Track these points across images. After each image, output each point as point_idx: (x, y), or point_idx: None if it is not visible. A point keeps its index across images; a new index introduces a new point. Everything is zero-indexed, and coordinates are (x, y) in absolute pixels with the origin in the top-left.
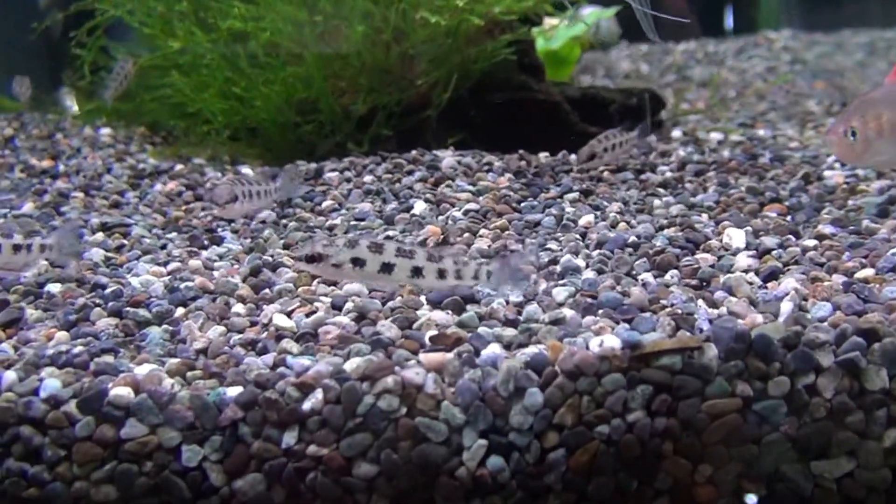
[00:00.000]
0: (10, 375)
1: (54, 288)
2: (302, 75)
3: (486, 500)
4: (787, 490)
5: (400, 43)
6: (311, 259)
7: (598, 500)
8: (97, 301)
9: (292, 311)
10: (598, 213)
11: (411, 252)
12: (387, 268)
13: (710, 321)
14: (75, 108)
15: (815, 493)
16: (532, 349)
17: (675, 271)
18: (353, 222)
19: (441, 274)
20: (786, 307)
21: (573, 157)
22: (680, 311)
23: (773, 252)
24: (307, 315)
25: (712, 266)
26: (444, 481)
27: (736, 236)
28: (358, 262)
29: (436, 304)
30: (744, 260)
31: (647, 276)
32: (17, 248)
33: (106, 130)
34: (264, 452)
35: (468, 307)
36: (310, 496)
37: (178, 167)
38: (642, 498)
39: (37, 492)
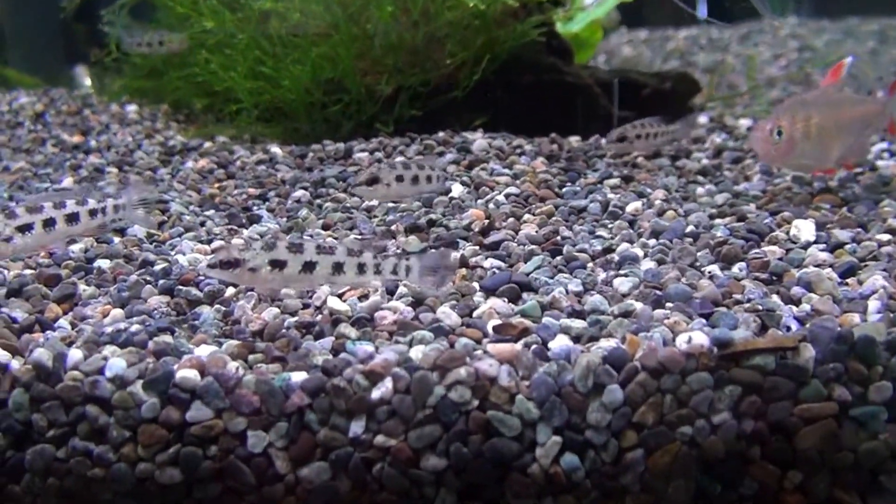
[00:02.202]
0: (76, 354)
1: (104, 264)
2: (329, 55)
3: (558, 498)
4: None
5: (427, 23)
6: (227, 265)
7: (676, 503)
8: (147, 278)
9: (343, 293)
10: (644, 200)
11: (331, 248)
12: (308, 267)
13: (798, 319)
14: (90, 84)
15: None
16: (607, 343)
17: (742, 264)
18: (390, 204)
19: (361, 269)
20: (874, 306)
21: (604, 141)
22: (761, 308)
23: (847, 246)
24: (360, 298)
25: (781, 259)
26: (516, 478)
27: (805, 228)
28: (277, 264)
29: (490, 291)
30: (817, 254)
31: (714, 269)
32: (93, 213)
33: (132, 107)
34: (331, 441)
35: (525, 295)
36: (376, 487)
37: (207, 144)
38: (725, 503)
39: (102, 472)
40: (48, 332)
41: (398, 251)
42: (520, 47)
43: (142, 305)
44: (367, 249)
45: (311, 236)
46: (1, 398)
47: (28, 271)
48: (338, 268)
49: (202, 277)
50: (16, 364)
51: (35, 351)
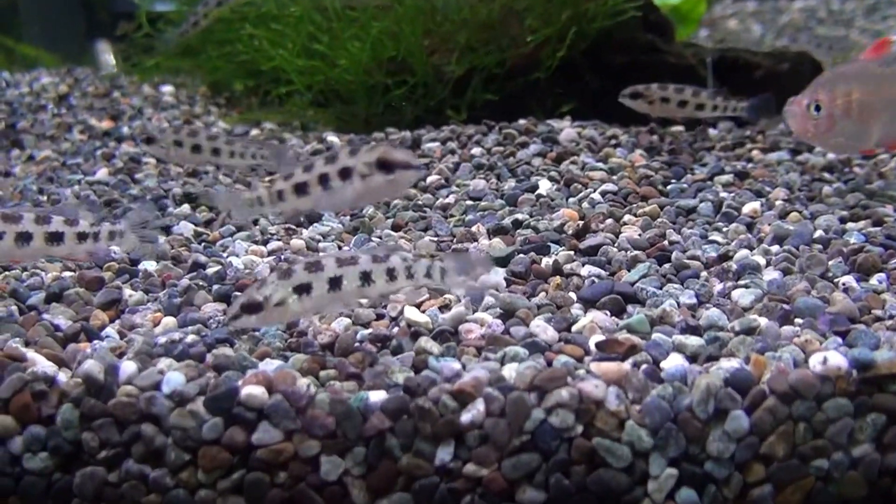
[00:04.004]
0: (130, 366)
1: (150, 266)
2: (392, 31)
3: None
4: None
5: None
6: (251, 309)
7: None
8: (200, 283)
9: (421, 303)
10: (763, 200)
11: (354, 259)
12: (335, 283)
13: None
14: (112, 62)
15: None
16: (728, 363)
17: (882, 275)
18: (468, 202)
19: (391, 275)
20: None
21: (713, 131)
22: None
23: None
24: (441, 308)
25: None
26: None
27: None
28: (303, 289)
29: (590, 303)
30: None
31: (849, 280)
32: (82, 236)
33: (167, 89)
34: (414, 469)
35: (629, 307)
36: None
37: (254, 132)
38: None
39: (157, 498)
40: (95, 341)
41: (480, 253)
42: (612, 23)
43: (196, 313)
44: (394, 253)
45: (380, 238)
46: (48, 414)
47: (67, 273)
48: (365, 278)
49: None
50: (63, 377)
51: (85, 363)
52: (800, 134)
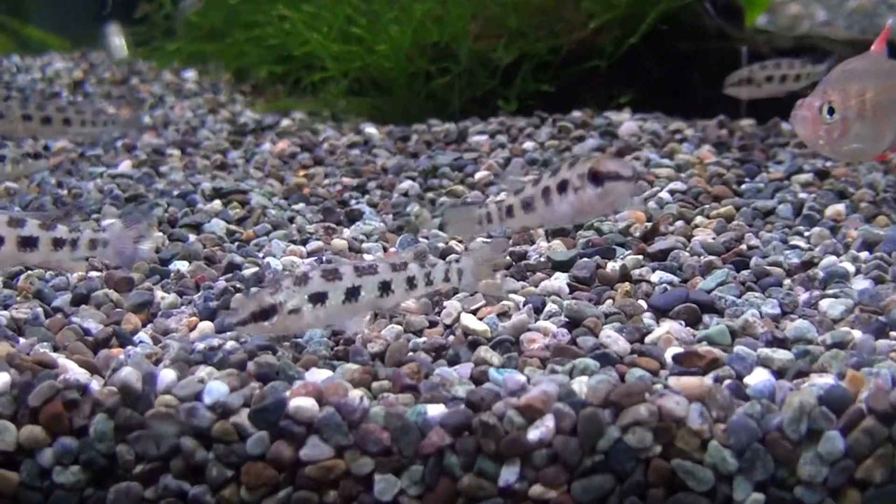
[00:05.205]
0: (169, 374)
1: (182, 266)
2: (436, 14)
3: None
4: None
5: None
6: (262, 315)
7: None
8: (237, 285)
9: (477, 309)
10: (847, 202)
11: (373, 267)
12: (352, 294)
13: None
14: (124, 47)
15: None
16: (821, 380)
17: None
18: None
19: (410, 283)
20: None
21: (786, 125)
22: None
23: None
24: (499, 316)
25: None
26: None
27: None
28: (318, 298)
29: (662, 312)
30: None
31: None
32: (58, 242)
33: (190, 75)
34: (477, 490)
35: (706, 317)
36: None
37: (285, 122)
38: None
39: None
40: (129, 346)
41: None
42: (676, 6)
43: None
44: (412, 261)
45: (427, 238)
46: (80, 425)
47: (94, 273)
48: (384, 288)
49: None
50: (96, 385)
51: (121, 370)
52: (809, 142)
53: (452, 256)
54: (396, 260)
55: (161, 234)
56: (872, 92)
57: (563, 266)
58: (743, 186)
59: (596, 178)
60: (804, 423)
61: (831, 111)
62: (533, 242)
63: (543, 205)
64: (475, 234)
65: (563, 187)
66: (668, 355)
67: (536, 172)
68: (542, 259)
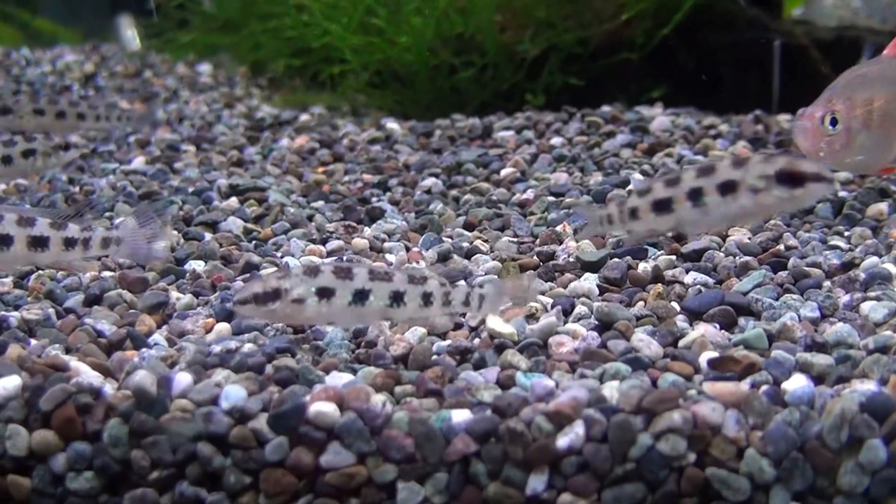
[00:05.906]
0: (184, 378)
1: (198, 266)
2: (460, 5)
3: None
4: None
5: None
6: (265, 298)
7: None
8: None
9: (504, 311)
10: (890, 200)
11: (388, 275)
12: (360, 296)
13: None
14: (136, 39)
15: None
16: (862, 386)
17: None
18: (549, 198)
19: (426, 299)
20: None
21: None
22: None
23: None
24: (527, 319)
25: None
26: None
27: None
28: (325, 293)
29: (696, 314)
30: None
31: None
32: (70, 242)
33: (205, 68)
34: (503, 498)
35: (742, 320)
36: None
37: (303, 117)
38: None
39: None
40: (143, 349)
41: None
42: None
43: (252, 320)
44: (433, 277)
45: (451, 238)
46: (94, 430)
47: (107, 273)
48: (397, 298)
49: None
50: (110, 388)
51: (135, 373)
52: (811, 154)
53: (478, 280)
54: (417, 273)
55: (176, 232)
56: (882, 100)
57: (593, 266)
58: None
59: (791, 179)
60: (845, 431)
61: (834, 122)
62: (561, 242)
63: (690, 207)
64: (596, 234)
65: (728, 188)
66: (703, 360)
67: (564, 168)
68: (571, 259)
